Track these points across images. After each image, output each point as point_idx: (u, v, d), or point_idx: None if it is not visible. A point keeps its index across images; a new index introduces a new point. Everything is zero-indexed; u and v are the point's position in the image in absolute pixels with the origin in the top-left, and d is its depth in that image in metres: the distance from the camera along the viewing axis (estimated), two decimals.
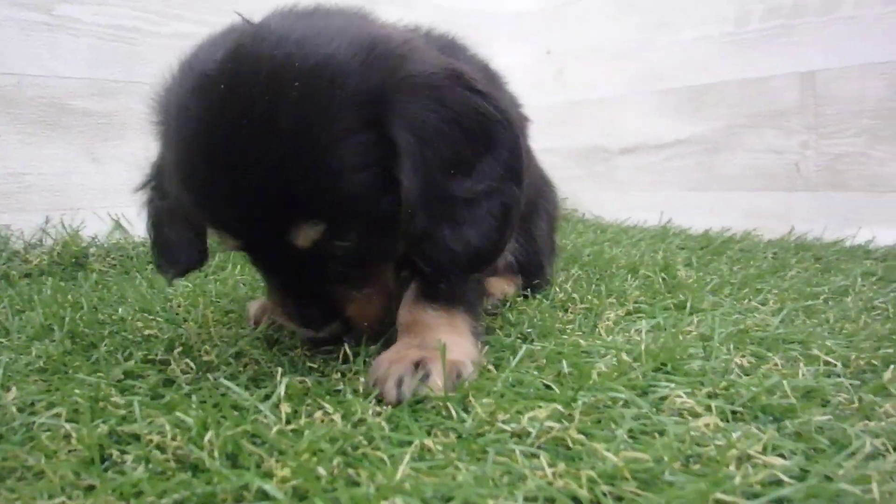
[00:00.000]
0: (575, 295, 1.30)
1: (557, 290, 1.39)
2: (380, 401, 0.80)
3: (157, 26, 2.27)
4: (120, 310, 1.35)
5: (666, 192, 2.70)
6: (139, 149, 2.18)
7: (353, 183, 0.80)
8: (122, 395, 0.81)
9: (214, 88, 0.79)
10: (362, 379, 0.87)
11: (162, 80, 0.95)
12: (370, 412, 0.76)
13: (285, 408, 0.76)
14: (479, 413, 0.71)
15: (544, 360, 0.90)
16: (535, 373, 0.87)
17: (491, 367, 0.91)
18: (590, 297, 1.28)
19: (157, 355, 1.00)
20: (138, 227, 2.21)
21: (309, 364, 0.97)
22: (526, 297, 1.34)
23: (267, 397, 0.79)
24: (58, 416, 0.75)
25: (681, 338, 0.98)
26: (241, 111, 0.77)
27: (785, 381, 0.76)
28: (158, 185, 1.05)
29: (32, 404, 0.80)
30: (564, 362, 0.84)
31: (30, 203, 2.06)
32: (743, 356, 0.90)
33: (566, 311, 1.25)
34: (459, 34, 1.49)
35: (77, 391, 0.81)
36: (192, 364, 0.95)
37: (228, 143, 0.78)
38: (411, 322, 0.96)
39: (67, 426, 0.71)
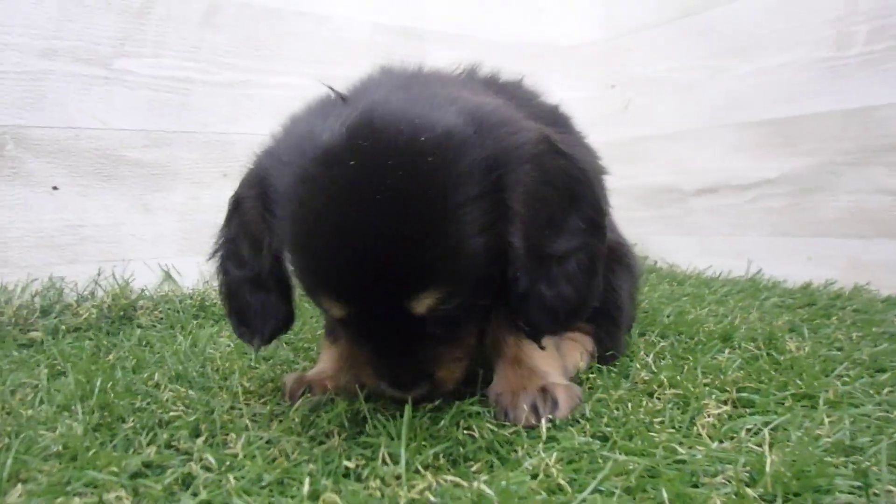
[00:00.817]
0: (663, 376, 1.08)
1: (638, 366, 1.18)
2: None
3: (208, 75, 2.26)
4: (157, 375, 1.29)
5: (752, 237, 2.41)
6: (189, 198, 2.23)
7: (473, 249, 0.84)
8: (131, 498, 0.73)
9: (343, 161, 0.81)
10: (401, 491, 0.71)
11: (262, 150, 1.00)
12: None
13: None
14: None
15: (633, 479, 0.70)
16: (623, 495, 0.67)
17: (562, 481, 0.72)
18: (680, 378, 1.06)
19: (180, 441, 0.92)
20: (187, 278, 2.21)
21: (345, 463, 0.82)
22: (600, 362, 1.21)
23: None
24: None
25: (812, 450, 0.75)
26: (371, 182, 0.80)
27: None
28: (233, 253, 1.06)
29: None
30: (665, 491, 0.64)
31: (84, 254, 2.06)
32: None
33: (651, 395, 1.04)
34: (528, 79, 1.53)
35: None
36: (212, 460, 0.83)
37: (358, 212, 0.80)
38: (511, 352, 1.03)
39: None
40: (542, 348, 0.99)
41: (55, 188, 2.00)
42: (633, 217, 2.86)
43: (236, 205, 1.05)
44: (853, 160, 2.10)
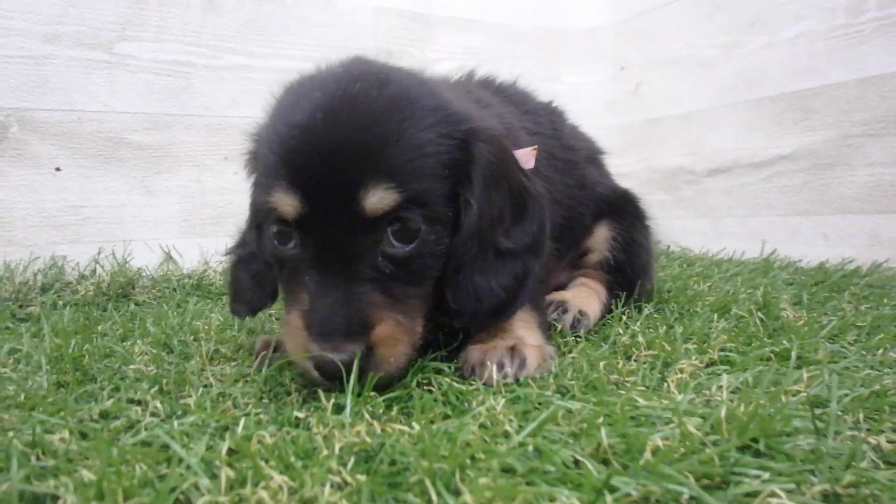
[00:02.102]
0: (642, 338, 1.04)
1: (620, 331, 1.13)
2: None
3: (210, 59, 2.28)
4: (139, 342, 1.28)
5: (767, 217, 2.32)
6: (191, 181, 2.24)
7: (428, 165, 0.89)
8: (75, 440, 0.73)
9: (327, 91, 0.92)
10: (342, 435, 0.69)
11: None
12: (327, 487, 0.56)
13: (227, 472, 0.59)
14: (468, 502, 0.50)
15: (584, 425, 0.67)
16: (569, 441, 0.64)
17: (509, 427, 0.69)
18: (660, 340, 1.02)
19: (139, 395, 0.93)
20: (188, 259, 2.23)
21: (296, 413, 0.81)
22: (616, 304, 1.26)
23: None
24: None
25: (783, 401, 0.71)
26: (344, 103, 0.89)
27: None
28: (241, 244, 1.16)
29: None
30: (604, 431, 0.60)
31: (86, 235, 2.10)
32: (879, 433, 0.62)
33: (629, 358, 1.00)
34: (523, 81, 1.56)
35: (13, 434, 0.73)
36: (161, 408, 0.85)
37: (325, 124, 0.88)
38: None
39: None
40: (462, 333, 1.03)
41: (58, 170, 2.04)
42: (647, 201, 2.79)
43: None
44: (871, 131, 1.99)
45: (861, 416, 0.67)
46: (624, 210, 1.48)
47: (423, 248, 0.91)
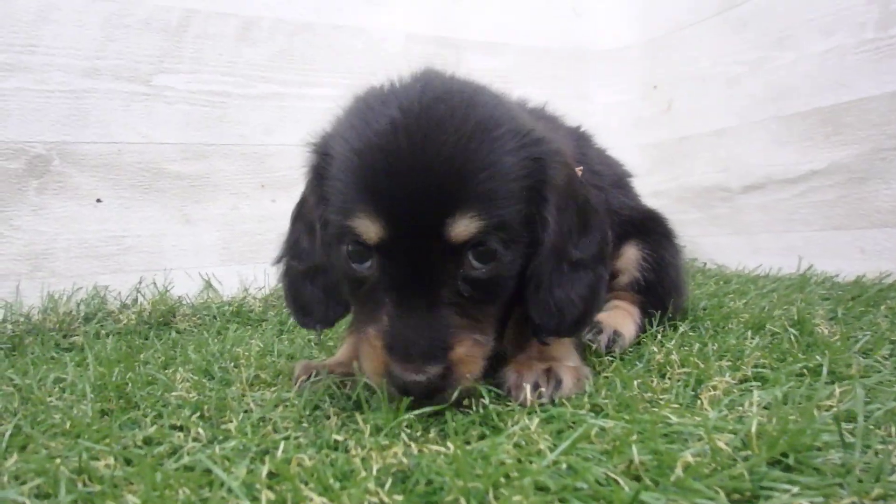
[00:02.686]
0: (675, 356, 1.05)
1: (655, 349, 1.15)
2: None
3: (245, 89, 2.37)
4: (180, 370, 1.33)
5: (803, 232, 2.31)
6: (228, 209, 2.32)
7: (510, 190, 0.92)
8: (120, 466, 0.77)
9: (410, 111, 0.92)
10: (379, 456, 0.73)
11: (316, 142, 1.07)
12: None
13: (268, 494, 0.62)
14: None
15: (616, 443, 0.69)
16: (602, 459, 0.66)
17: (542, 446, 0.71)
18: (694, 358, 1.03)
19: (181, 421, 0.97)
20: (227, 287, 2.28)
21: (335, 436, 0.84)
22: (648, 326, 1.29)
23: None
24: (35, 487, 0.71)
25: (814, 416, 0.72)
26: (430, 125, 0.90)
27: None
28: (295, 252, 1.15)
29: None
30: (636, 448, 0.62)
31: (127, 264, 2.18)
32: None
33: (663, 376, 1.01)
34: (553, 103, 1.56)
35: (60, 461, 0.76)
36: (203, 432, 0.89)
37: (408, 147, 0.89)
38: (524, 339, 1.08)
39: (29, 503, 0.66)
40: (546, 345, 1.04)
41: (99, 201, 2.13)
42: (681, 219, 2.78)
43: (299, 206, 1.15)
44: None
45: (893, 429, 0.68)
46: (651, 230, 1.51)
47: (499, 268, 0.93)
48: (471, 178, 0.89)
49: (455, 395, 0.87)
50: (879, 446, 0.62)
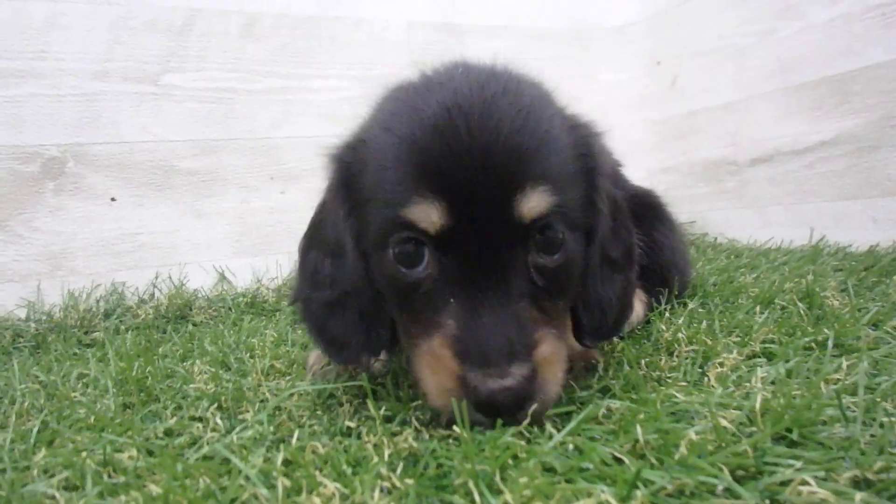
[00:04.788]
0: (683, 333, 1.05)
1: (663, 327, 1.15)
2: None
3: (251, 84, 2.38)
4: (198, 362, 1.35)
5: (814, 203, 2.27)
6: (239, 202, 2.34)
7: (570, 171, 0.87)
8: (142, 458, 0.79)
9: (460, 93, 0.85)
10: (391, 442, 0.74)
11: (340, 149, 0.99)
12: (377, 491, 0.61)
13: (284, 481, 0.64)
14: (509, 502, 0.53)
15: (623, 423, 0.69)
16: (608, 438, 0.66)
17: (549, 426, 0.72)
18: (702, 335, 1.03)
19: (200, 412, 0.99)
20: (241, 278, 2.32)
21: (348, 423, 0.85)
22: (655, 305, 1.30)
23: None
24: (63, 480, 0.73)
25: (821, 390, 0.72)
26: (484, 105, 0.83)
27: None
28: (316, 286, 1.01)
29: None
30: (640, 428, 0.63)
31: (143, 260, 2.22)
32: None
33: (671, 354, 1.01)
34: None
35: (86, 454, 0.78)
36: (221, 423, 0.91)
37: (467, 122, 0.81)
38: None
39: (58, 495, 0.68)
40: (590, 348, 1.00)
41: (113, 199, 2.16)
42: (690, 194, 2.77)
43: (312, 231, 1.05)
44: None
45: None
46: (641, 214, 1.45)
47: (568, 256, 0.85)
48: (534, 154, 0.82)
49: (542, 409, 0.74)
50: (884, 419, 0.62)
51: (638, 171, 1.68)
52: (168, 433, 0.91)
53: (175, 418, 0.95)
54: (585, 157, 0.90)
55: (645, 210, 1.48)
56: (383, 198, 0.85)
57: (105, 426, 0.93)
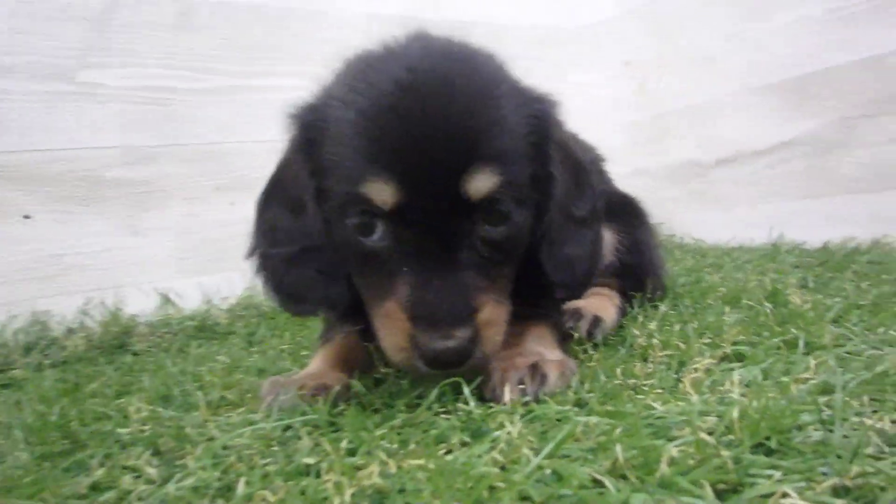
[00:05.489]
0: (655, 339, 1.08)
1: (637, 332, 1.18)
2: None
3: (191, 83, 2.24)
4: (134, 399, 1.27)
5: (775, 203, 2.41)
6: (183, 216, 2.22)
7: (519, 147, 0.96)
8: None
9: (414, 70, 0.94)
10: (354, 479, 0.72)
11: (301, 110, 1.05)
12: None
13: None
14: None
15: (602, 439, 0.70)
16: (588, 457, 0.68)
17: (526, 449, 0.72)
18: (675, 339, 1.06)
19: (132, 460, 0.91)
20: (188, 300, 2.17)
21: (306, 460, 0.83)
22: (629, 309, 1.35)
23: None
24: None
25: (793, 391, 0.75)
26: (438, 83, 0.92)
27: None
28: (273, 242, 1.11)
29: None
30: (620, 446, 0.64)
31: (71, 285, 2.07)
32: (884, 415, 0.66)
33: (645, 360, 1.04)
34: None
35: None
36: (154, 474, 0.84)
37: (417, 104, 0.90)
38: (509, 338, 1.05)
39: None
40: (560, 300, 1.14)
41: (27, 217, 2.00)
42: (659, 196, 2.84)
43: (272, 186, 1.12)
44: (867, 112, 2.09)
45: (866, 399, 0.73)
46: (623, 212, 1.55)
47: (514, 228, 0.96)
48: (484, 135, 0.91)
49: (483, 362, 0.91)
50: (855, 418, 0.66)
51: (609, 175, 1.71)
52: (94, 488, 0.84)
53: (103, 469, 0.88)
54: (538, 130, 0.99)
55: (627, 208, 1.59)
56: (340, 172, 0.95)
57: (11, 487, 0.84)
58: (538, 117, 1.00)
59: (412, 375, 0.98)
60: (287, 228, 1.08)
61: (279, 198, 1.10)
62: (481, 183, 0.90)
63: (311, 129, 1.02)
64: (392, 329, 0.93)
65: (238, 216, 2.26)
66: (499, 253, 0.96)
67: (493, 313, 0.94)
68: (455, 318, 0.89)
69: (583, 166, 1.12)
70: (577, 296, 1.17)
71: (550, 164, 1.01)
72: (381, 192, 0.90)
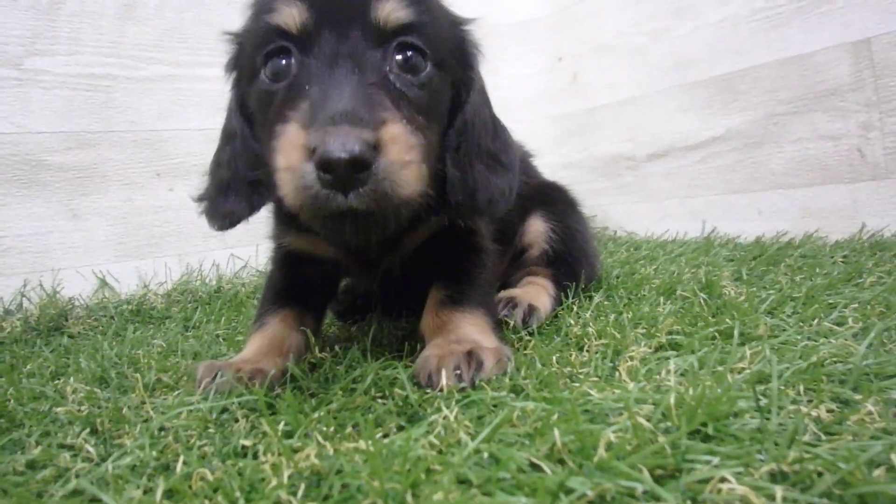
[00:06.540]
0: (591, 328, 1.05)
1: (572, 321, 1.14)
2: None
3: (132, 71, 2.19)
4: (72, 380, 1.20)
5: (705, 197, 2.40)
6: (121, 201, 2.14)
7: (439, 17, 0.95)
8: None
9: None
10: (291, 461, 0.67)
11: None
12: None
13: None
14: None
15: (538, 424, 0.66)
16: (525, 443, 0.64)
17: (463, 434, 0.68)
18: (610, 329, 1.03)
19: (70, 439, 0.86)
20: (125, 284, 2.13)
21: (243, 442, 0.77)
22: (564, 298, 1.31)
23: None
24: None
25: (729, 380, 0.72)
26: None
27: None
28: (214, 177, 1.11)
29: None
30: (557, 431, 0.60)
31: (8, 267, 1.98)
32: (819, 404, 0.64)
33: (581, 349, 1.01)
34: None
35: None
36: (93, 452, 0.80)
37: None
38: (440, 323, 1.05)
39: None
40: (467, 229, 1.09)
41: None
42: (592, 189, 2.84)
43: (221, 132, 1.10)
44: (794, 109, 2.09)
45: (801, 388, 0.70)
46: (555, 201, 1.51)
47: (430, 85, 0.90)
48: None
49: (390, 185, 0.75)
50: (791, 407, 0.63)
51: (541, 167, 1.69)
52: (31, 465, 0.79)
53: (40, 447, 0.83)
54: (466, 44, 1.01)
55: (558, 196, 1.53)
56: (254, 21, 0.93)
57: None
58: (470, 40, 1.01)
59: (312, 214, 0.80)
60: (226, 158, 1.06)
61: (222, 136, 1.10)
62: (391, 8, 0.85)
63: (238, 42, 1.03)
64: (287, 151, 0.78)
65: (176, 202, 2.24)
66: (414, 101, 0.87)
67: (405, 137, 0.79)
68: (355, 118, 0.75)
69: (498, 123, 1.10)
70: (464, 220, 1.08)
71: (472, 71, 0.99)
72: (290, 14, 0.85)
